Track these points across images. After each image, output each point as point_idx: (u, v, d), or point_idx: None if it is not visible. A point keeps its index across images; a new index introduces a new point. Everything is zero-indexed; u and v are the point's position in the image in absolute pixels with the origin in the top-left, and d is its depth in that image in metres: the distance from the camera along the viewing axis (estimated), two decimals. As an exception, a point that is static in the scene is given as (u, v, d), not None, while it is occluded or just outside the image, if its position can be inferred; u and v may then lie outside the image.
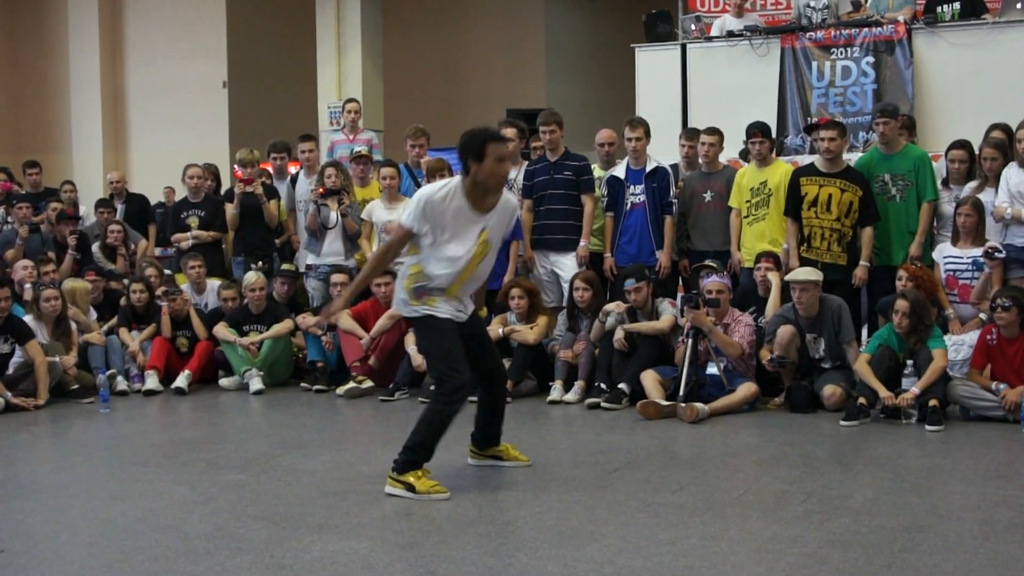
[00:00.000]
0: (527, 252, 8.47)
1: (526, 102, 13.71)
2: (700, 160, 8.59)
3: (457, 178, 5.11)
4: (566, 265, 8.37)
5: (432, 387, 7.47)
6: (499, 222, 5.19)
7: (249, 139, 11.83)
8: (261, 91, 16.07)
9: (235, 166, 9.71)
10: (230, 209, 9.37)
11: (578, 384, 7.59)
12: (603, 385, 7.42)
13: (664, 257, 8.21)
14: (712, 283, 7.38)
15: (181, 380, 8.29)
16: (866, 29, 10.43)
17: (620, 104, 12.22)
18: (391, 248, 5.32)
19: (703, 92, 11.01)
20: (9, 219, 10.18)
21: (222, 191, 10.26)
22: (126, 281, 9.22)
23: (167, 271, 9.55)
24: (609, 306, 7.67)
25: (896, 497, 4.96)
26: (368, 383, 8.07)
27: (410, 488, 4.99)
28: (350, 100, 10.82)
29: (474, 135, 5.07)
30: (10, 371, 7.91)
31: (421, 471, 5.06)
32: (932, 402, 6.50)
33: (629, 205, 8.31)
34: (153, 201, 11.36)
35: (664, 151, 8.87)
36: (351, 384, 8.03)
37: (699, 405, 6.85)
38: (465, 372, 5.12)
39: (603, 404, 7.24)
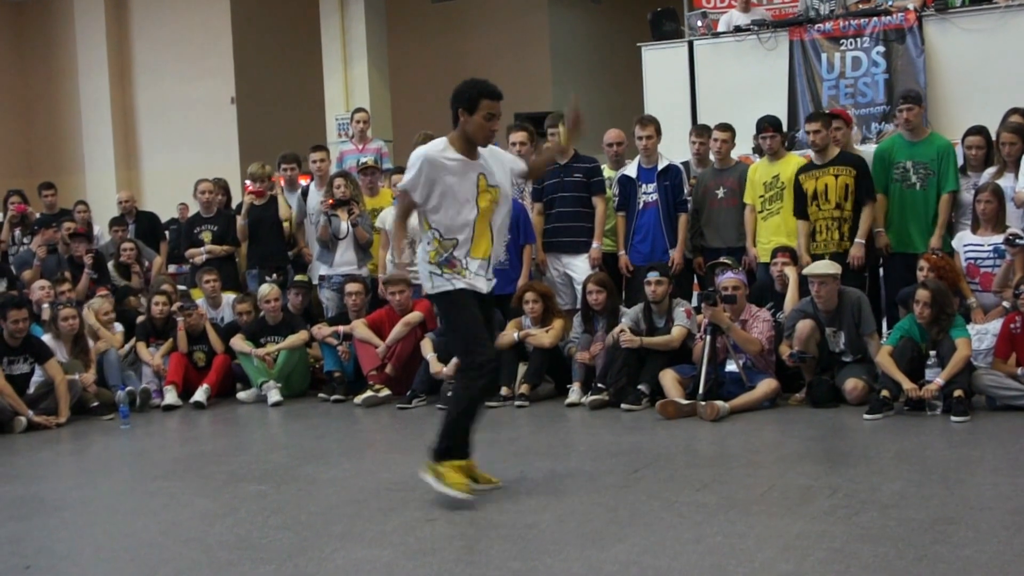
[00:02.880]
0: (539, 255, 8.44)
1: (533, 106, 13.68)
2: (712, 157, 8.55)
3: (445, 138, 5.07)
4: (579, 267, 8.33)
5: (449, 393, 7.56)
6: (497, 166, 5.11)
7: (259, 154, 11.85)
8: (269, 106, 16.11)
9: (246, 181, 9.72)
10: (240, 220, 9.40)
11: (597, 386, 7.53)
12: (600, 384, 7.38)
13: (677, 254, 8.16)
14: (728, 280, 7.33)
15: (200, 394, 8.29)
16: (875, 19, 10.36)
17: (628, 104, 12.19)
18: (400, 217, 5.27)
19: (712, 89, 10.97)
20: (25, 240, 10.21)
21: (232, 206, 10.27)
22: (143, 298, 9.24)
23: (182, 287, 9.57)
24: (616, 331, 7.55)
25: (924, 490, 4.89)
26: (385, 391, 8.05)
27: (438, 477, 4.94)
28: (359, 110, 10.83)
29: (470, 85, 5.02)
30: (31, 390, 7.93)
31: (461, 463, 5.00)
32: (957, 393, 6.41)
33: (642, 204, 8.27)
34: (166, 218, 11.39)
35: (674, 149, 8.84)
36: (368, 393, 8.01)
37: (719, 403, 6.79)
38: (490, 347, 5.05)
39: (623, 406, 7.18)
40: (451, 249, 5.02)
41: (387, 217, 8.79)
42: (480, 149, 5.08)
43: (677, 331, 7.44)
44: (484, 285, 5.08)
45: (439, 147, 5.03)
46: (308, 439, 7.15)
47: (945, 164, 7.70)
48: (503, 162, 5.21)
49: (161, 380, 8.52)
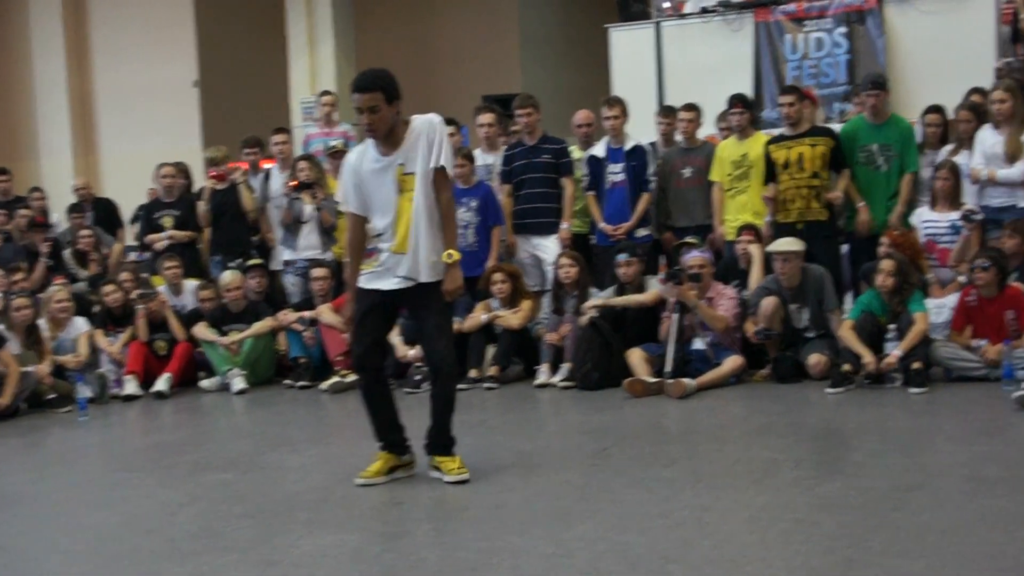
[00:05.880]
0: (509, 237, 8.43)
1: (502, 88, 13.63)
2: (679, 136, 8.57)
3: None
4: (548, 248, 8.32)
5: (416, 377, 7.56)
6: (415, 148, 4.80)
7: (222, 139, 11.70)
8: (233, 90, 15.91)
9: (208, 167, 9.62)
10: (202, 206, 9.29)
11: (565, 366, 7.55)
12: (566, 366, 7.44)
13: (629, 224, 8.14)
14: (693, 258, 7.36)
15: (161, 383, 8.18)
16: (837, 0, 10.41)
17: (596, 85, 12.17)
18: (349, 236, 5.13)
19: (678, 69, 10.99)
20: (-20, 228, 10.06)
21: (194, 190, 10.15)
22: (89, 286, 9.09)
23: (143, 274, 9.45)
24: (587, 303, 7.55)
25: (884, 459, 4.97)
26: (352, 377, 7.98)
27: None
28: (325, 92, 10.76)
29: (395, 79, 4.82)
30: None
31: (385, 453, 5.07)
32: (915, 365, 6.53)
33: (610, 184, 8.27)
34: (129, 205, 11.23)
35: (641, 129, 8.83)
36: (335, 379, 7.96)
37: (686, 380, 6.83)
38: (361, 344, 4.96)
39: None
40: (376, 242, 4.94)
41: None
42: (410, 132, 4.81)
43: (652, 292, 7.47)
44: (389, 284, 4.88)
45: (362, 149, 4.92)
46: (273, 426, 7.09)
47: (907, 145, 7.78)
48: (423, 143, 4.81)
49: (120, 369, 8.38)
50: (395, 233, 4.86)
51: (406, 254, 4.85)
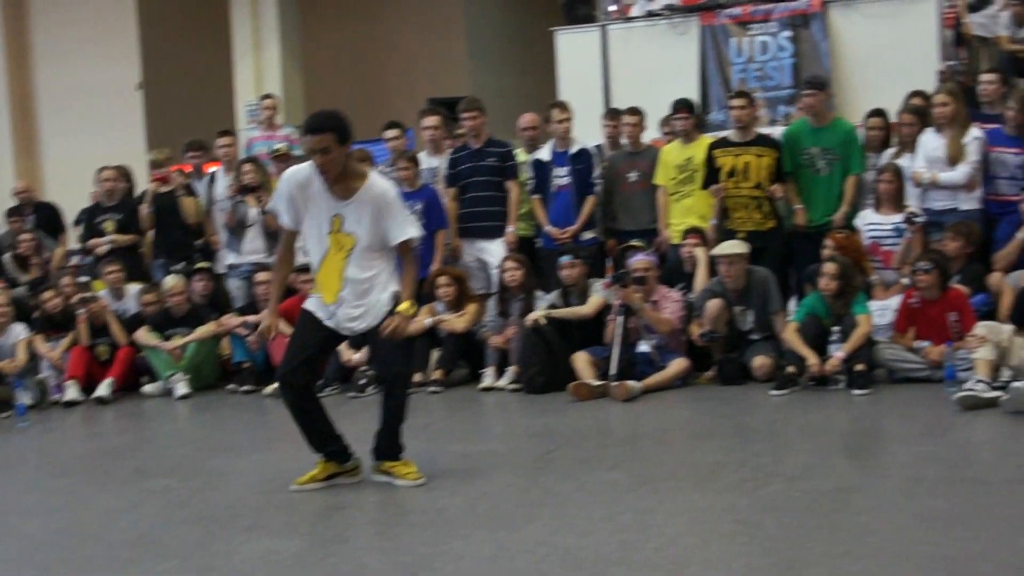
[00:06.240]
0: (454, 240, 8.40)
1: (449, 91, 13.57)
2: (624, 140, 8.59)
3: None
4: (493, 251, 8.31)
5: (361, 382, 7.51)
6: (362, 213, 4.75)
7: (166, 141, 11.56)
8: (177, 91, 15.70)
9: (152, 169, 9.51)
10: (144, 209, 9.18)
11: (510, 370, 7.53)
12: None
13: (572, 229, 8.14)
14: (638, 261, 7.39)
15: (103, 389, 8.07)
16: (782, 4, 10.51)
17: (543, 89, 12.18)
18: (280, 248, 5.13)
19: (624, 73, 11.01)
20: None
21: (136, 193, 10.02)
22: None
23: (85, 277, 9.29)
24: (532, 315, 7.54)
25: (827, 460, 5.01)
26: (298, 381, 7.92)
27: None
28: (266, 96, 10.69)
29: (346, 120, 4.79)
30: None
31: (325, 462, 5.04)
32: (859, 367, 6.59)
33: (555, 187, 8.29)
34: (77, 207, 11.04)
35: (587, 133, 8.85)
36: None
37: (631, 383, 6.85)
38: (291, 362, 4.92)
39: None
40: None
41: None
42: (363, 190, 4.76)
43: (592, 301, 7.48)
44: (331, 323, 4.91)
45: (309, 172, 4.81)
46: (216, 431, 7.04)
47: (850, 148, 7.84)
48: (369, 212, 4.75)
49: (61, 375, 8.24)
50: (324, 283, 4.89)
51: (340, 305, 4.87)
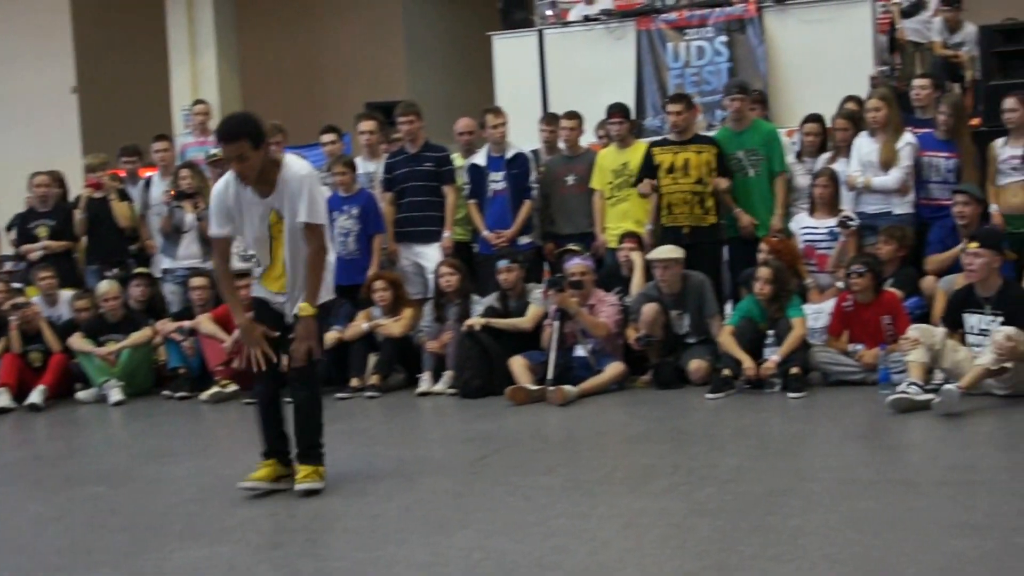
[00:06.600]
0: (390, 244, 8.38)
1: (387, 95, 13.50)
2: (561, 144, 8.62)
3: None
4: (430, 256, 8.30)
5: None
6: (283, 198, 4.79)
7: (102, 146, 11.38)
8: (113, 96, 15.48)
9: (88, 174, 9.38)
10: (77, 215, 9.06)
11: (447, 374, 7.53)
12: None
13: (511, 232, 8.18)
14: (575, 265, 7.41)
15: (35, 395, 7.93)
16: (718, 9, 10.60)
17: (480, 93, 12.19)
18: (217, 260, 5.14)
19: (561, 77, 11.04)
20: None
21: (70, 198, 9.87)
22: None
23: (17, 284, 9.14)
24: (469, 321, 7.55)
25: (761, 464, 5.06)
26: (232, 386, 7.85)
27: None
28: (198, 102, 10.65)
29: (259, 122, 4.79)
30: None
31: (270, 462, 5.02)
32: (794, 370, 6.66)
33: (491, 192, 8.30)
34: (11, 213, 10.83)
35: (524, 137, 8.88)
36: (215, 389, 7.83)
37: (568, 387, 6.86)
38: (260, 381, 4.98)
39: None
40: (251, 261, 5.01)
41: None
42: (281, 179, 4.77)
43: (531, 313, 7.49)
44: (270, 298, 4.99)
45: (228, 180, 4.83)
46: (151, 438, 6.95)
47: (772, 147, 7.93)
48: (289, 194, 4.78)
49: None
50: (272, 275, 4.94)
51: (286, 294, 4.94)
